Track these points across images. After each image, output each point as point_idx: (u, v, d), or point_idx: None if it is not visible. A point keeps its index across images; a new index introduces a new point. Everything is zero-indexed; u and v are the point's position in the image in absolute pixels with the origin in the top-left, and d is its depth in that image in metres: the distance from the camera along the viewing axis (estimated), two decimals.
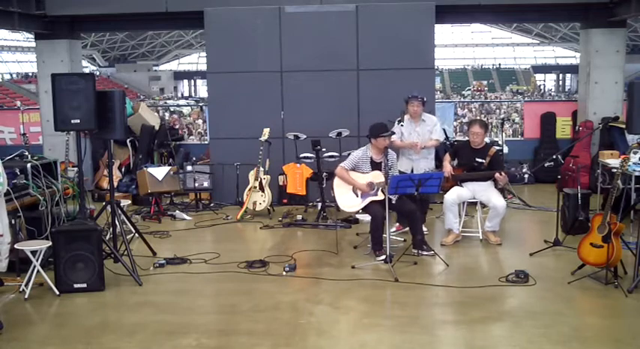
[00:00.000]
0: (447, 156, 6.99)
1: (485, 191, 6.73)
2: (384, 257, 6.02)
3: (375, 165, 6.36)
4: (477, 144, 6.77)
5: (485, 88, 49.84)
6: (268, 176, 8.28)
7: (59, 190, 6.22)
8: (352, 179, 6.36)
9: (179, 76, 57.82)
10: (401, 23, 8.75)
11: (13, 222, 5.65)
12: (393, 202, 6.21)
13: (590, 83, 9.71)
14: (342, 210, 6.59)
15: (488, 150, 6.78)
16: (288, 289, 5.50)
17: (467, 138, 7.13)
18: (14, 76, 46.61)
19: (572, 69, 47.74)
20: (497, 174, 6.53)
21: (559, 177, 7.55)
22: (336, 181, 6.46)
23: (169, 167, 8.55)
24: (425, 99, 7.15)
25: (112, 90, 5.83)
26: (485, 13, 10.34)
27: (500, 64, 58.67)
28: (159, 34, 51.19)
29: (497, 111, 29.09)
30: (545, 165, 9.15)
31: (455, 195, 6.68)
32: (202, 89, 53.31)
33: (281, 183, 8.72)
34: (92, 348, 4.37)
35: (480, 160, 6.72)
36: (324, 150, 8.13)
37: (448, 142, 9.86)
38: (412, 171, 7.02)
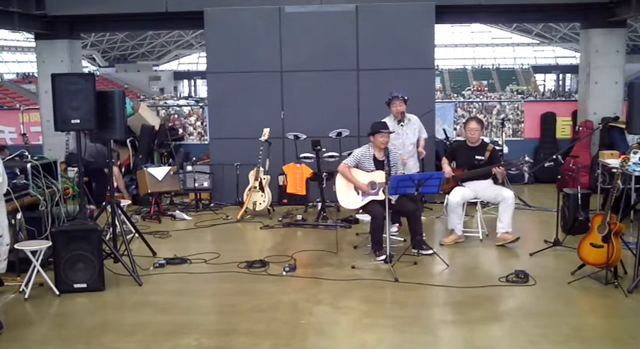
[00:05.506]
0: (445, 159, 6.99)
1: (486, 189, 6.74)
2: (384, 257, 6.02)
3: (379, 164, 6.37)
4: (473, 141, 6.77)
5: (486, 88, 49.76)
6: (268, 176, 8.28)
7: (59, 190, 6.21)
8: (354, 178, 6.36)
9: (179, 76, 57.77)
10: (401, 23, 8.75)
11: (13, 222, 5.64)
12: (393, 202, 6.21)
13: (590, 83, 9.70)
14: (342, 206, 6.60)
15: (486, 146, 6.80)
16: (288, 289, 5.50)
17: (463, 138, 7.12)
18: (14, 76, 46.55)
19: (572, 69, 47.70)
20: (495, 168, 6.53)
21: (559, 177, 7.54)
22: (339, 178, 6.47)
23: (169, 167, 8.55)
24: (406, 97, 7.17)
25: (112, 90, 5.84)
26: (485, 13, 10.33)
27: (500, 64, 58.63)
28: (159, 34, 51.10)
29: (494, 110, 28.95)
30: (545, 165, 9.15)
31: (459, 196, 6.67)
32: (202, 89, 53.24)
33: (281, 183, 8.72)
34: (92, 348, 4.37)
35: (480, 158, 6.73)
36: (324, 150, 8.13)
37: (448, 142, 9.87)
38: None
